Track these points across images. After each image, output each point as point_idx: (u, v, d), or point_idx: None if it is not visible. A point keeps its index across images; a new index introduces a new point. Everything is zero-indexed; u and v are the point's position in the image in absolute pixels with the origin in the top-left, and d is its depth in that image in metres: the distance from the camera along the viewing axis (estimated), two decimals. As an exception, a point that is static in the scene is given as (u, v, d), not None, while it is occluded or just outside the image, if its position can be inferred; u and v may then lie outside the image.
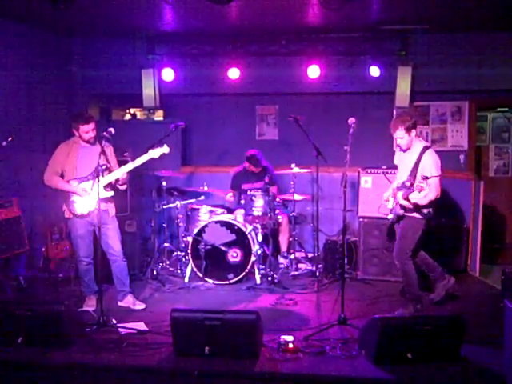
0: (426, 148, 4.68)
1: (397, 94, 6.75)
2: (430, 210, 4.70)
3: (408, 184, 4.55)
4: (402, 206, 4.70)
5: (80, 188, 4.84)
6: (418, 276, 4.85)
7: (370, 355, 3.86)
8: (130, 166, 4.90)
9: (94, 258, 5.01)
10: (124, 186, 5.04)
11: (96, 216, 4.65)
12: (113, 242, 4.99)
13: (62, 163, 4.90)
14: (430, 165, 4.57)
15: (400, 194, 4.68)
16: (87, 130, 4.83)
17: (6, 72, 6.00)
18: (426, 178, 4.33)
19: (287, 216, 6.35)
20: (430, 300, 5.03)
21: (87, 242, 5.01)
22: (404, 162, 4.85)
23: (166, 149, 4.95)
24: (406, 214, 4.74)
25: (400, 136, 4.70)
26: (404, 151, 4.84)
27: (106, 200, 4.93)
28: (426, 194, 4.47)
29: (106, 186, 4.86)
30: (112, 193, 4.95)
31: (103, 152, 4.77)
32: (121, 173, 4.89)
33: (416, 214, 4.70)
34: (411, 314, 4.69)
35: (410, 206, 4.62)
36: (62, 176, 4.92)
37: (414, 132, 4.69)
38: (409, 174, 4.67)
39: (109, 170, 4.91)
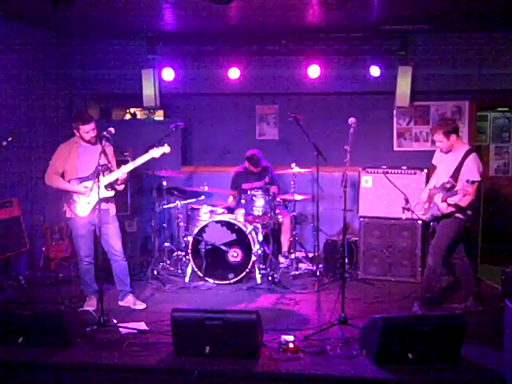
0: (469, 151, 4.73)
1: (397, 93, 6.75)
2: (469, 212, 4.74)
3: (448, 186, 4.58)
4: (439, 208, 4.73)
5: (82, 186, 4.84)
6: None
7: (370, 355, 3.87)
8: (131, 165, 4.90)
9: (95, 258, 5.01)
10: (122, 186, 5.02)
11: (97, 216, 4.65)
12: (113, 241, 5.00)
13: (63, 163, 4.90)
14: (474, 169, 4.63)
15: (439, 197, 4.71)
16: (87, 130, 4.84)
17: (6, 72, 6.01)
18: (473, 182, 4.40)
19: (289, 216, 6.34)
20: (452, 308, 4.99)
21: (88, 242, 5.01)
22: (445, 163, 4.87)
23: (166, 148, 4.95)
24: (448, 212, 4.76)
25: (439, 140, 4.78)
26: (445, 153, 4.88)
27: (107, 200, 4.94)
28: (461, 198, 4.55)
29: (106, 186, 4.87)
30: (113, 192, 4.95)
31: (104, 152, 4.77)
32: (121, 172, 4.89)
33: (456, 215, 4.74)
34: (412, 314, 4.71)
35: (451, 209, 4.65)
36: (62, 176, 4.92)
37: (454, 136, 4.74)
38: (450, 175, 4.70)
39: (109, 169, 4.91)
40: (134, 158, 4.99)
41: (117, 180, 4.91)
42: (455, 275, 5.17)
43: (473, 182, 4.41)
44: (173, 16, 6.11)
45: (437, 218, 4.85)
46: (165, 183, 6.25)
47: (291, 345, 3.98)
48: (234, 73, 6.96)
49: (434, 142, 5.01)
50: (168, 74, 7.06)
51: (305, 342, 4.16)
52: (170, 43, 7.11)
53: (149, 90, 7.09)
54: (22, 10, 5.72)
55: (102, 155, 4.70)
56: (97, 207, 4.64)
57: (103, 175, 4.79)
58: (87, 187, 4.82)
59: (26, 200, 6.08)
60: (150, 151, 4.91)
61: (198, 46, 7.04)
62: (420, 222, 5.88)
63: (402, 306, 5.13)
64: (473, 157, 4.70)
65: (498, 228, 7.59)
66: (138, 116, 8.59)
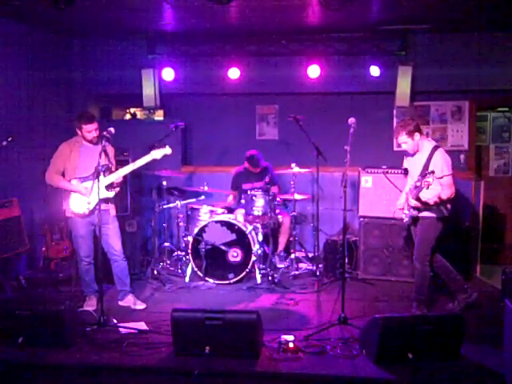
0: (435, 148, 4.69)
1: (397, 93, 6.75)
2: (446, 208, 4.70)
3: (419, 184, 4.52)
4: (414, 208, 4.70)
5: (82, 187, 4.84)
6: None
7: (370, 355, 3.87)
8: (130, 167, 4.89)
9: (95, 258, 5.01)
10: (117, 189, 4.99)
11: (97, 216, 4.65)
12: (113, 241, 4.99)
13: (64, 162, 4.89)
14: (441, 164, 4.58)
15: (410, 197, 4.68)
16: (90, 130, 4.83)
17: (6, 72, 6.00)
18: (432, 172, 4.34)
19: (289, 216, 6.33)
20: (448, 309, 4.96)
21: (88, 242, 5.01)
22: (414, 164, 4.84)
23: (168, 150, 4.94)
24: (420, 215, 4.74)
25: (404, 141, 4.74)
26: (412, 155, 4.84)
27: (107, 200, 4.93)
28: (439, 192, 4.53)
29: (107, 186, 4.86)
30: (113, 193, 4.94)
31: (105, 152, 4.77)
32: (122, 174, 4.89)
33: (431, 214, 4.70)
34: (411, 314, 4.70)
35: (419, 205, 4.61)
36: (63, 175, 4.92)
37: (417, 135, 4.70)
38: (419, 174, 4.64)
39: (110, 170, 4.91)
40: (134, 159, 4.99)
41: (112, 183, 4.90)
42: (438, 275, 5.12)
43: (432, 173, 4.34)
44: (173, 16, 6.11)
45: (415, 220, 4.82)
46: (165, 183, 6.25)
47: (291, 345, 3.99)
48: (233, 73, 6.96)
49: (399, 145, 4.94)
50: (168, 73, 7.06)
51: (305, 342, 4.16)
52: (169, 43, 7.12)
53: (149, 90, 7.10)
54: (21, 10, 5.71)
55: (103, 155, 4.70)
56: (97, 207, 4.65)
57: (104, 175, 4.79)
58: (87, 188, 4.81)
59: (26, 200, 6.07)
60: (152, 152, 4.90)
61: (198, 46, 7.04)
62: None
63: (401, 305, 5.14)
64: (439, 152, 4.65)
65: (498, 228, 7.58)
66: (138, 116, 8.59)
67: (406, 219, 4.91)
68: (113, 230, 5.01)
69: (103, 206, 4.76)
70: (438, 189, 4.58)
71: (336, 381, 3.69)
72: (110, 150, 5.06)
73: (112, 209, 5.06)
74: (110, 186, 4.90)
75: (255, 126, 7.69)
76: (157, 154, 4.90)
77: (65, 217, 5.05)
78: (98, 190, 4.57)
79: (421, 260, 4.81)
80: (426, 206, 4.60)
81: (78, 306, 4.96)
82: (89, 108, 7.43)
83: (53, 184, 4.93)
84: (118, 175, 4.87)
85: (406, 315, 4.45)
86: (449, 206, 4.73)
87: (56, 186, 4.93)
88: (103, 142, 4.73)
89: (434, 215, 4.71)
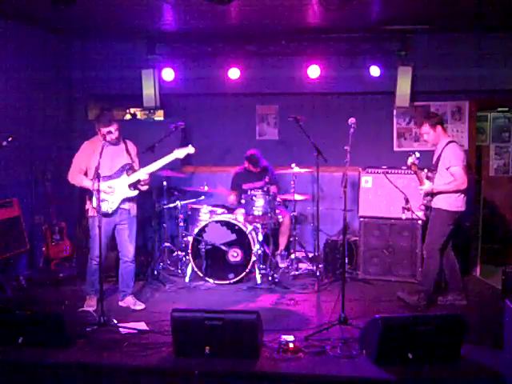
0: (449, 142, 4.92)
1: (397, 93, 6.75)
2: (457, 202, 4.88)
3: (430, 175, 4.91)
4: (426, 195, 4.98)
5: (105, 186, 4.80)
6: (437, 276, 5.02)
7: (370, 355, 3.87)
8: (155, 166, 4.89)
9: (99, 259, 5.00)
10: (145, 187, 4.99)
11: (119, 215, 4.65)
12: (127, 243, 5.00)
13: (87, 161, 4.87)
14: (450, 156, 4.83)
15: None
16: (108, 132, 4.80)
17: (6, 72, 6.00)
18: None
19: (289, 216, 6.33)
20: (436, 299, 5.12)
21: (104, 242, 4.97)
22: (435, 156, 5.07)
23: (191, 149, 5.02)
24: (433, 206, 4.95)
25: (425, 131, 4.98)
26: (435, 147, 5.07)
27: (130, 199, 4.92)
28: (450, 181, 4.79)
29: (129, 186, 4.85)
30: (136, 192, 4.93)
31: (127, 151, 4.76)
32: (145, 173, 4.88)
33: (440, 206, 4.89)
34: (412, 314, 4.70)
35: (438, 189, 4.88)
36: (85, 174, 4.90)
37: (439, 128, 4.94)
38: (434, 167, 4.95)
39: (133, 169, 4.90)
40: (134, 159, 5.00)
41: (139, 181, 4.90)
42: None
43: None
44: (173, 16, 6.11)
45: (428, 209, 5.05)
46: (165, 183, 6.25)
47: (291, 345, 3.98)
48: (233, 73, 6.95)
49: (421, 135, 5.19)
50: (168, 74, 7.06)
51: (305, 342, 4.16)
52: (169, 43, 7.11)
53: (149, 90, 7.09)
54: (21, 11, 5.72)
55: (126, 154, 4.69)
56: (120, 207, 4.65)
57: (127, 175, 4.79)
58: (111, 187, 4.79)
59: (26, 200, 6.07)
60: (175, 151, 4.94)
61: (198, 46, 7.03)
62: (420, 221, 5.88)
63: (401, 305, 5.14)
64: (451, 145, 4.88)
65: (498, 228, 7.58)
66: (138, 116, 8.58)
67: (422, 209, 5.15)
68: (130, 232, 5.00)
69: (125, 206, 4.76)
70: (450, 179, 4.82)
71: (336, 381, 3.69)
72: (133, 149, 5.05)
73: (133, 209, 5.02)
74: (132, 185, 4.89)
75: (255, 126, 7.68)
76: (180, 153, 4.94)
77: (87, 215, 5.02)
78: (120, 189, 4.57)
79: (428, 249, 4.98)
80: (435, 194, 4.87)
81: (78, 306, 4.97)
82: (89, 108, 7.43)
83: (75, 183, 4.90)
84: (142, 173, 4.87)
85: (406, 315, 4.45)
86: (460, 200, 4.89)
87: (79, 185, 4.89)
88: (127, 141, 4.73)
89: (443, 208, 4.88)
